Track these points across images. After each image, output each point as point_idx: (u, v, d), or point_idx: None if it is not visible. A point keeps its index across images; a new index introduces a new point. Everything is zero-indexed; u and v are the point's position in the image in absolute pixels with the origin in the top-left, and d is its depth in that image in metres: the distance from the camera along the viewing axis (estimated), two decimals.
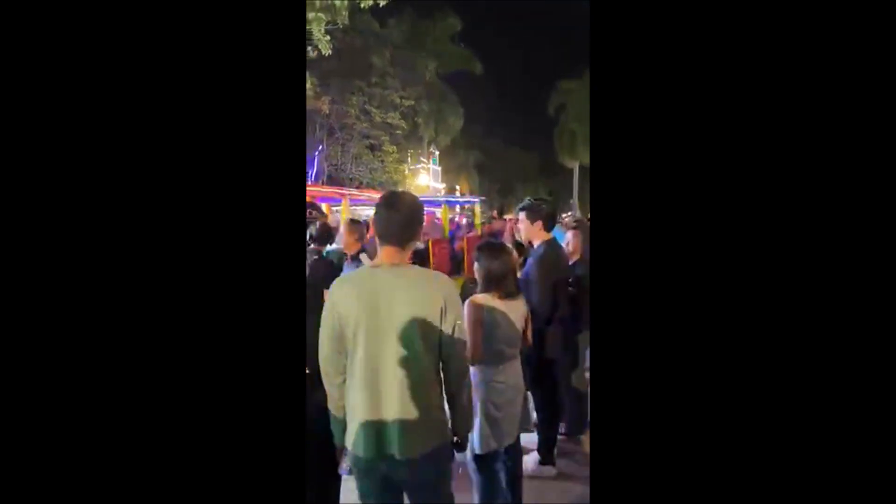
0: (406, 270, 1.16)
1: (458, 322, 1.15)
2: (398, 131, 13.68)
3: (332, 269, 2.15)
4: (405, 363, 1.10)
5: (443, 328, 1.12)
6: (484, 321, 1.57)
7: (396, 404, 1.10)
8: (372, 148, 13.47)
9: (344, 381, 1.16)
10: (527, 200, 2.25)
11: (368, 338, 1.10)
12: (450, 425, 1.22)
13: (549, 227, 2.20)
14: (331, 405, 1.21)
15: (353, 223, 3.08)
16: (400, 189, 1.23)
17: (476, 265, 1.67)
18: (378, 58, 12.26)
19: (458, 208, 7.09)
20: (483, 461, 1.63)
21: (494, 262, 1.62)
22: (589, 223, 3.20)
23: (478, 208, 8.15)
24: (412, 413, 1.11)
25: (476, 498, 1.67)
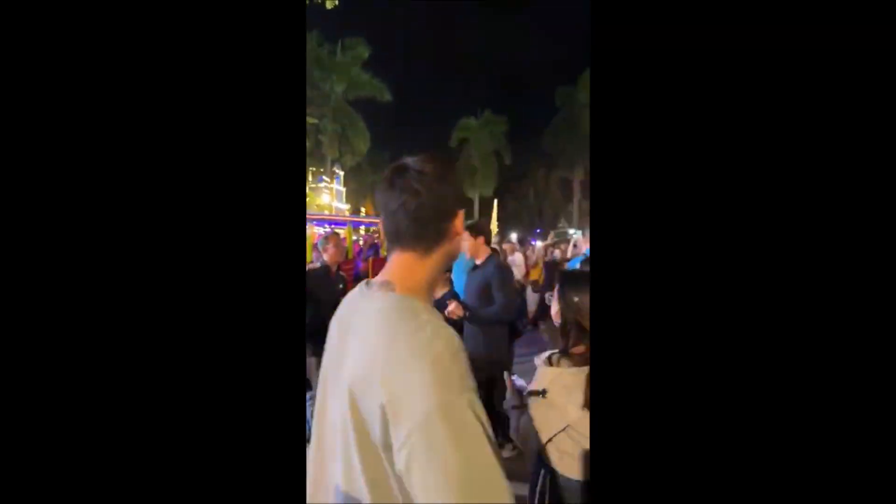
0: (378, 297, 0.65)
1: (416, 434, 0.52)
2: None
3: None
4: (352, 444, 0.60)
5: (392, 430, 0.54)
6: None
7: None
8: None
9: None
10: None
11: (323, 390, 0.70)
12: None
13: (489, 241, 2.55)
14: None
15: None
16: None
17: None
18: None
19: (362, 229, 7.10)
20: None
21: None
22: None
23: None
24: None
25: None
